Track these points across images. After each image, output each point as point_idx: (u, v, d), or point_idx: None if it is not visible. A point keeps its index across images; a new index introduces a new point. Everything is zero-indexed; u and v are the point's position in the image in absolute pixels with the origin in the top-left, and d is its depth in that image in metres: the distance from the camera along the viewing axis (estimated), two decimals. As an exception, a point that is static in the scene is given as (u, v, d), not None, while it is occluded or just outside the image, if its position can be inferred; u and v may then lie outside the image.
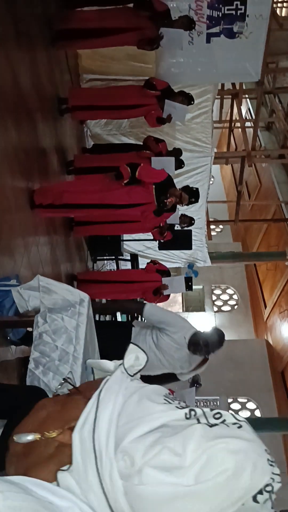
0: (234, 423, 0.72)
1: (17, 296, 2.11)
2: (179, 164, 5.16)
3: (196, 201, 4.46)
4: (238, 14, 5.41)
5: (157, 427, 0.71)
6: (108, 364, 0.96)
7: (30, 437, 0.79)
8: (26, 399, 1.53)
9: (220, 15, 5.42)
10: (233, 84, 8.18)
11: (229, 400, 10.23)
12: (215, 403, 10.09)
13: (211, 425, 0.69)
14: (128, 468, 0.68)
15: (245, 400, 10.27)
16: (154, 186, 4.08)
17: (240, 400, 10.30)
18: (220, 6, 5.37)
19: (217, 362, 9.88)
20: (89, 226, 4.99)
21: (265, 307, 10.91)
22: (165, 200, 4.15)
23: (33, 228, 3.73)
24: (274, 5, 7.54)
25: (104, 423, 0.74)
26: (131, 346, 0.91)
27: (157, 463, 0.66)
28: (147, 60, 5.68)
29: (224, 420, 0.72)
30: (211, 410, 0.75)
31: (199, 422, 0.71)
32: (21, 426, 0.89)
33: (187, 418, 0.72)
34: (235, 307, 12.96)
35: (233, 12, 5.40)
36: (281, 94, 10.03)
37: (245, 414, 10.13)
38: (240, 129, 8.80)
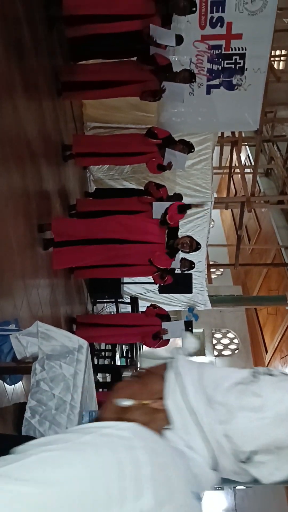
0: (281, 373, 0.99)
1: (16, 343, 2.09)
2: (180, 209, 5.25)
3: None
4: (237, 67, 5.65)
5: (235, 383, 0.96)
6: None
7: (129, 402, 0.96)
8: None
9: (220, 69, 5.66)
10: (233, 132, 8.43)
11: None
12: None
13: (271, 375, 0.97)
14: (224, 415, 0.92)
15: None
16: (167, 230, 4.25)
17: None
18: (220, 60, 5.62)
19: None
20: (90, 269, 5.01)
21: (266, 352, 10.76)
22: (182, 242, 4.35)
23: (34, 270, 3.74)
24: (272, 59, 7.88)
25: (190, 387, 0.96)
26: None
27: (247, 405, 0.91)
28: (149, 109, 5.88)
29: (274, 373, 0.99)
30: (266, 368, 1.01)
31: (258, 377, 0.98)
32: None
33: (252, 376, 0.98)
34: (236, 351, 12.78)
35: (232, 66, 5.65)
36: (279, 142, 10.32)
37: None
38: (239, 175, 8.98)
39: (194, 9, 4.55)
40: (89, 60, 4.94)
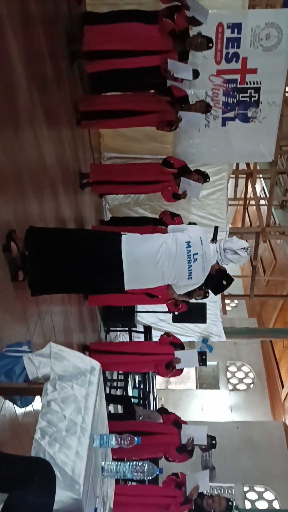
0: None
1: (28, 363, 2.09)
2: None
3: None
4: (252, 101, 5.77)
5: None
6: None
7: None
8: (27, 472, 1.46)
9: (235, 102, 5.78)
10: (248, 164, 8.52)
11: (245, 489, 9.55)
12: (229, 491, 9.43)
13: None
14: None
15: (263, 489, 9.58)
16: None
17: (256, 489, 9.60)
18: (235, 93, 5.74)
19: (232, 446, 9.35)
20: (104, 296, 5.01)
21: (283, 387, 10.49)
22: None
23: (48, 296, 3.75)
24: (287, 93, 8.01)
25: None
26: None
27: None
28: (166, 140, 6.00)
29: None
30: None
31: None
32: None
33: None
34: (251, 386, 12.48)
35: (247, 99, 5.77)
36: (294, 175, 10.35)
37: (263, 505, 9.40)
38: (254, 207, 9.01)
39: (210, 45, 4.68)
40: (108, 93, 5.09)
